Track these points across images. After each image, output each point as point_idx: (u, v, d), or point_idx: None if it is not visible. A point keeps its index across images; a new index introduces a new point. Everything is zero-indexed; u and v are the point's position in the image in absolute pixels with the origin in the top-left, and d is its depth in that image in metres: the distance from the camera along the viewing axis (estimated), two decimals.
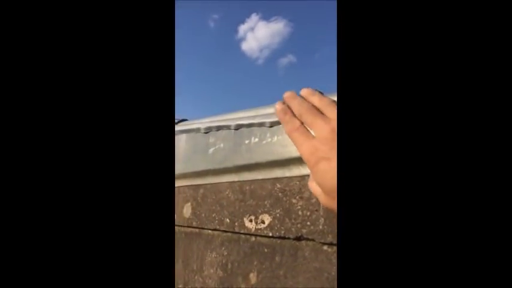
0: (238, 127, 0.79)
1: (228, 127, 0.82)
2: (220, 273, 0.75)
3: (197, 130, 0.93)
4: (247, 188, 0.73)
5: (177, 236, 0.93)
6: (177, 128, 1.06)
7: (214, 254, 0.78)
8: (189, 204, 0.90)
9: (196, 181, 0.90)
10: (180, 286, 0.87)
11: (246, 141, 0.75)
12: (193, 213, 0.88)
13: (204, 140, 0.89)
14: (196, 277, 0.82)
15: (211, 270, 0.77)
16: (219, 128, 0.85)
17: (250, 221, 0.70)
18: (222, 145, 0.83)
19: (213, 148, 0.85)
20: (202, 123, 0.93)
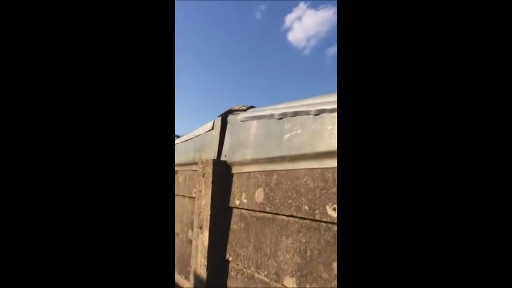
0: (318, 112, 0.76)
1: (306, 112, 0.80)
2: (297, 259, 0.74)
3: (270, 116, 0.93)
4: (330, 175, 0.71)
5: (247, 220, 0.95)
6: (246, 114, 1.07)
7: (290, 240, 0.78)
8: (261, 189, 0.91)
9: (269, 167, 0.90)
10: (252, 269, 0.89)
11: (329, 127, 0.72)
12: (266, 198, 0.88)
13: (279, 126, 0.88)
14: (269, 261, 0.83)
15: (288, 256, 0.77)
16: (295, 113, 0.83)
17: (334, 209, 0.67)
18: (299, 131, 0.81)
19: (289, 134, 0.84)
20: (276, 109, 0.92)
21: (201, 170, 1.14)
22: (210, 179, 1.05)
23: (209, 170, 1.07)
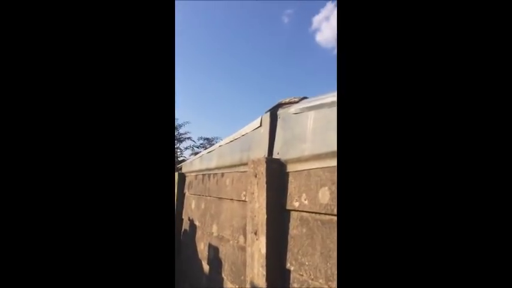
0: None
1: None
2: None
3: (330, 104, 0.81)
4: None
5: (310, 224, 0.84)
6: (300, 105, 0.97)
7: None
8: (326, 188, 0.79)
9: (334, 162, 0.78)
10: (320, 281, 0.77)
11: None
12: (333, 198, 0.76)
13: None
14: None
15: None
16: None
17: None
18: None
19: None
20: (336, 96, 0.81)
21: (252, 170, 1.06)
22: (264, 179, 0.96)
23: (262, 169, 0.98)
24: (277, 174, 0.97)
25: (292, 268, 0.87)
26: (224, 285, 1.34)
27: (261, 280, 0.92)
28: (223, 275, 1.36)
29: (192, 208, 1.99)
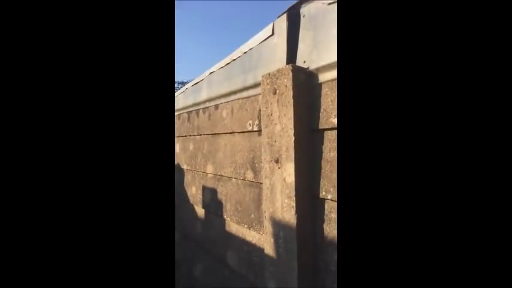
0: None
1: None
2: None
3: None
4: None
5: None
6: None
7: None
8: None
9: None
10: None
11: None
12: None
13: None
14: None
15: None
16: None
17: None
18: None
19: None
20: None
21: (268, 87, 0.84)
22: (290, 94, 0.76)
23: (286, 82, 0.77)
24: (305, 88, 0.77)
25: (329, 196, 0.73)
26: (227, 228, 1.21)
27: (287, 213, 0.78)
28: (224, 216, 1.22)
29: (176, 152, 1.77)
